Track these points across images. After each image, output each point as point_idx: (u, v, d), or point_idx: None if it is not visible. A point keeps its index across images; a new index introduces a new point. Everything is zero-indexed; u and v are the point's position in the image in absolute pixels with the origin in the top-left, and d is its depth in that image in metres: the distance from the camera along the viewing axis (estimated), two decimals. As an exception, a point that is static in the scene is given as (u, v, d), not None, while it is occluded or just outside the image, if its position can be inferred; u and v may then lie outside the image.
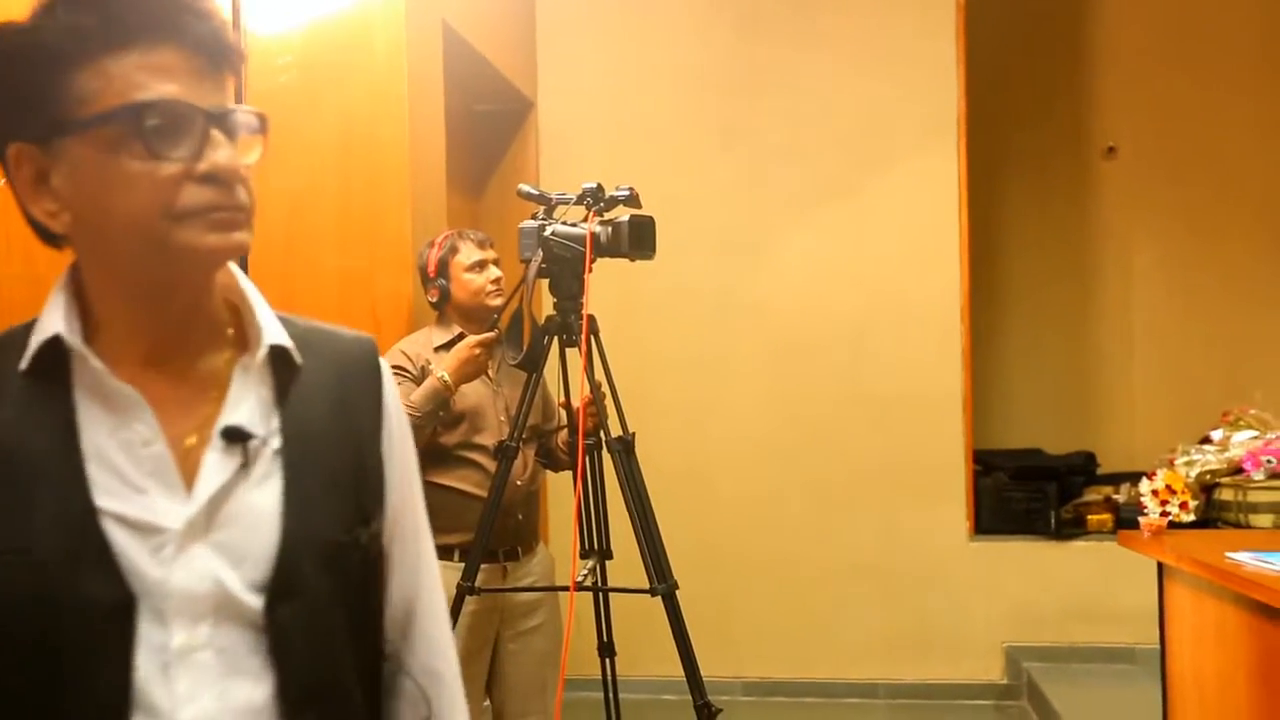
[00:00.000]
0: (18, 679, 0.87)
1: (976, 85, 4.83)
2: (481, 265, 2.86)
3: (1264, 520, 4.48)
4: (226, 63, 0.94)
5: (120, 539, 0.89)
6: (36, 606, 0.86)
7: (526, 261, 2.67)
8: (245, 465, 0.94)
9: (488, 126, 4.70)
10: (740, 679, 4.70)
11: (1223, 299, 5.31)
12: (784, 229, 4.84)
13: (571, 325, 2.66)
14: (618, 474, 2.62)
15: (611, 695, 2.99)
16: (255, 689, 0.91)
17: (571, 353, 2.71)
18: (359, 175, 3.01)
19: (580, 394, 2.63)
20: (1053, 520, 4.69)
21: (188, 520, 0.91)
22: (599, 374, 2.70)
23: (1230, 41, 5.26)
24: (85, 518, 0.88)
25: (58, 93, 0.89)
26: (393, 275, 3.04)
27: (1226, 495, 4.60)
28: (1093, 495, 4.93)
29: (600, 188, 2.64)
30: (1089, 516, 4.79)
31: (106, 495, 0.89)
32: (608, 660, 2.96)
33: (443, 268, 2.85)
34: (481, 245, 2.89)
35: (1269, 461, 4.60)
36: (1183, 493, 4.43)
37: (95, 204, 0.90)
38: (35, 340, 0.93)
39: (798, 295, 4.80)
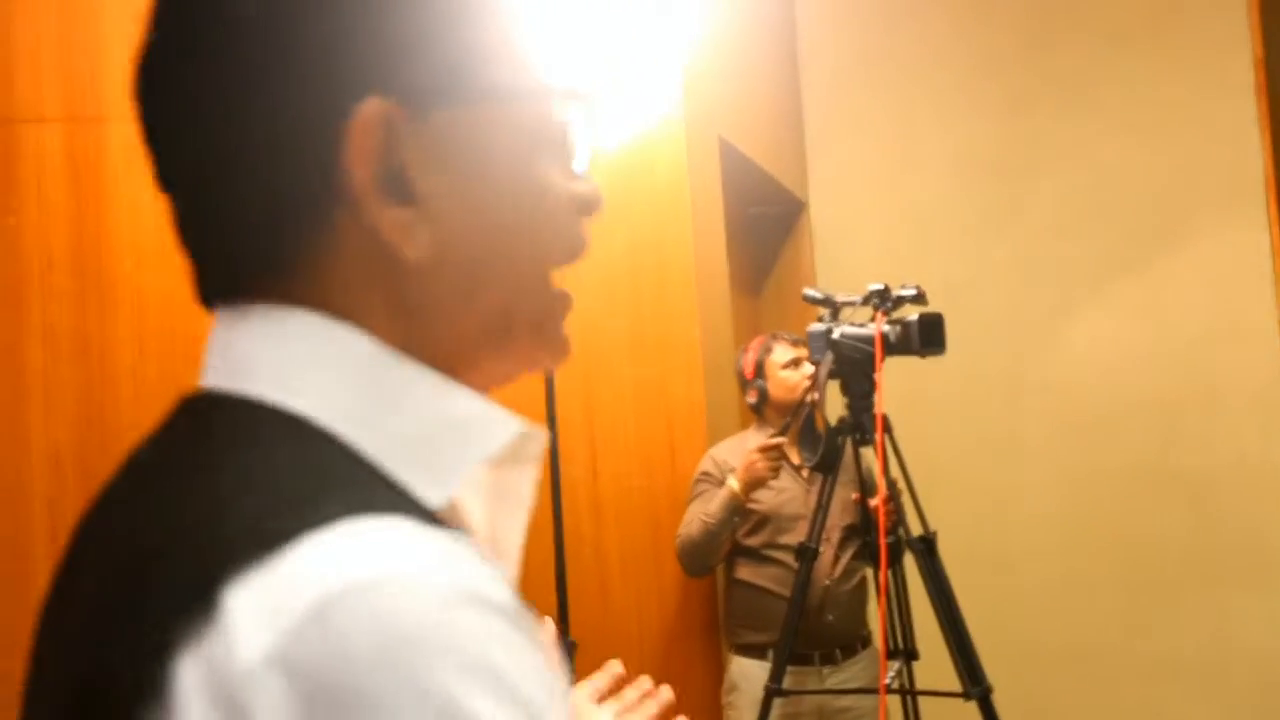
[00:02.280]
0: None
1: (1277, 136, 4.51)
2: (796, 363, 2.99)
3: None
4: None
5: None
6: None
7: (816, 364, 2.72)
8: None
9: (762, 229, 4.82)
10: (1056, 787, 4.41)
11: None
12: (1072, 308, 4.66)
13: (864, 424, 2.67)
14: (921, 573, 2.58)
15: (925, 803, 2.90)
16: None
17: (866, 452, 2.73)
18: (648, 289, 3.18)
19: (880, 493, 2.63)
20: None
21: None
22: (895, 471, 2.70)
23: None
24: None
25: (469, 34, 0.57)
26: (685, 382, 3.17)
27: None
28: None
29: (887, 289, 2.67)
30: None
31: None
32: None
33: (759, 369, 3.01)
34: (795, 344, 3.03)
35: None
36: None
37: (491, 225, 0.58)
38: (485, 448, 0.56)
39: (1092, 373, 4.58)
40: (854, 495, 2.90)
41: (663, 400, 3.16)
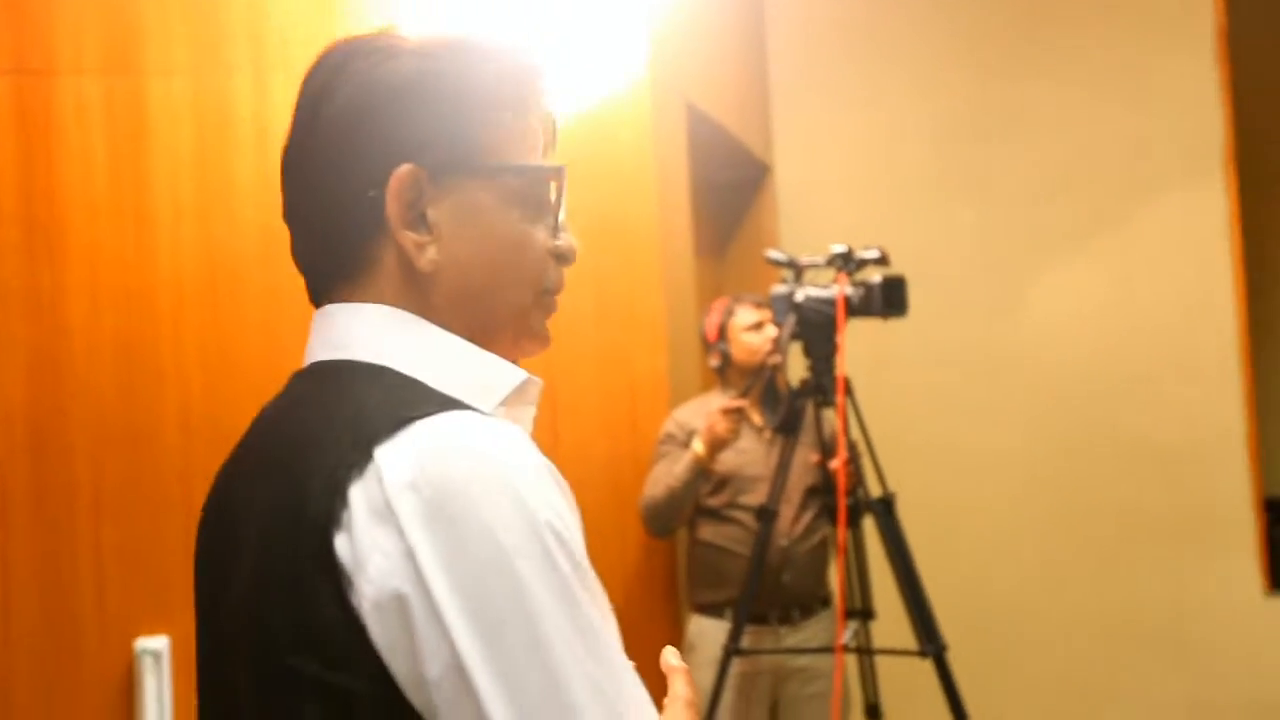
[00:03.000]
0: None
1: (1242, 109, 4.56)
2: (759, 326, 3.00)
3: None
4: (553, 138, 0.95)
5: None
6: None
7: (779, 326, 2.73)
8: None
9: (727, 193, 4.82)
10: (1012, 745, 4.50)
11: None
12: (1034, 275, 4.70)
13: (826, 386, 2.69)
14: (880, 533, 2.62)
15: (882, 760, 2.95)
16: None
17: (828, 414, 2.75)
18: (611, 257, 3.16)
19: (840, 454, 2.66)
20: (1361, 574, 4.29)
21: None
22: (855, 433, 2.72)
23: None
24: None
25: (476, 130, 0.85)
26: (648, 349, 3.17)
27: None
28: (1406, 545, 4.47)
29: (850, 251, 2.68)
30: (1405, 569, 4.35)
31: None
32: (876, 724, 2.94)
33: (722, 332, 3.02)
34: (758, 307, 3.03)
35: None
36: None
37: (478, 248, 0.85)
38: (505, 382, 0.84)
39: (1059, 343, 4.63)
40: (813, 457, 2.93)
41: (625, 366, 3.16)
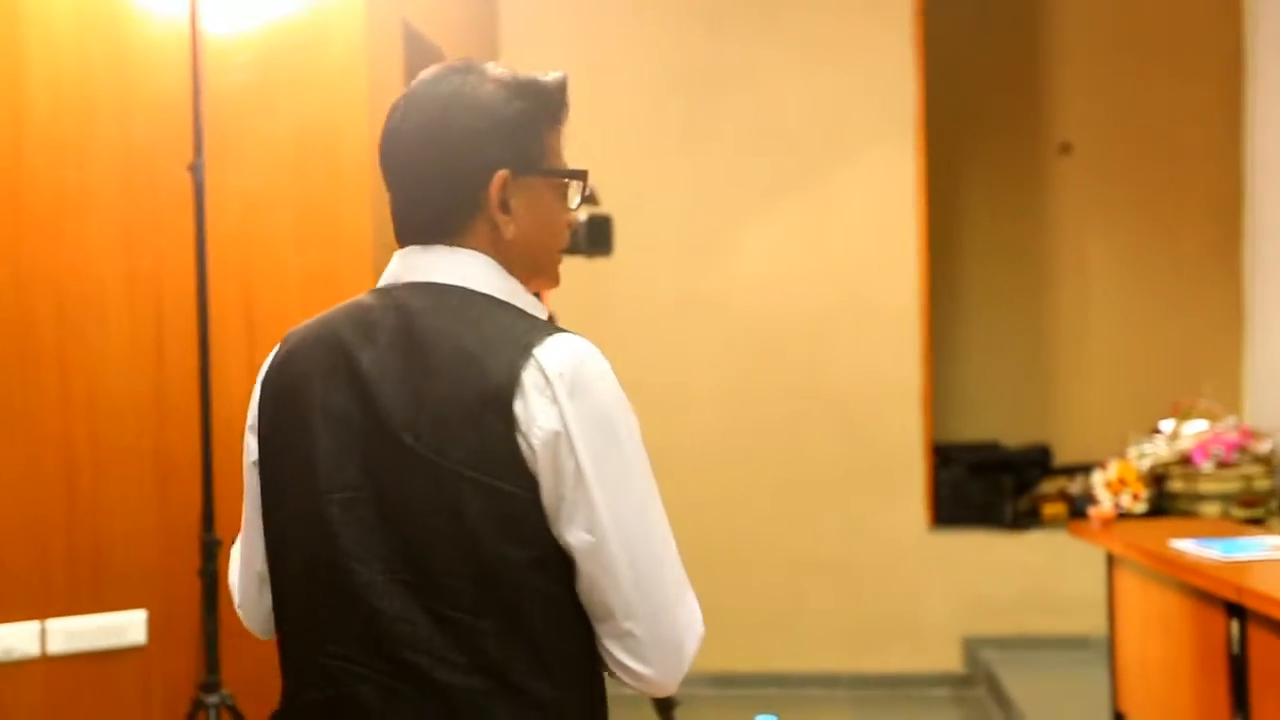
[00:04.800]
0: None
1: (933, 81, 4.90)
2: None
3: (1212, 509, 4.58)
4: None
5: None
6: None
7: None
8: None
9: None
10: (702, 672, 4.74)
11: (1174, 293, 5.41)
12: (745, 225, 4.89)
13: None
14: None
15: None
16: None
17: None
18: (317, 174, 3.02)
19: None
20: (1009, 512, 4.78)
21: None
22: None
23: (1182, 37, 5.36)
24: None
25: (538, 144, 1.28)
26: (355, 275, 3.06)
27: (1176, 486, 4.70)
28: (1048, 487, 5.02)
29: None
30: (1044, 508, 4.88)
31: None
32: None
33: None
34: None
35: (1217, 452, 4.71)
36: (1134, 484, 4.53)
37: (540, 227, 1.29)
38: (544, 312, 1.29)
39: (759, 291, 4.85)
40: None
41: (331, 292, 3.01)
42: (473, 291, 1.23)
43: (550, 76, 1.30)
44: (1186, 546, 2.76)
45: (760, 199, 4.87)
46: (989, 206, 5.54)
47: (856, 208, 4.83)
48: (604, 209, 2.72)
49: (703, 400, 4.84)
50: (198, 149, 2.67)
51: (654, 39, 4.88)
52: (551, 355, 1.16)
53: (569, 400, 1.15)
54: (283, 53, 2.98)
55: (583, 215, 2.68)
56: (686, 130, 4.87)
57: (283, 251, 2.99)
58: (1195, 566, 2.59)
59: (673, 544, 1.23)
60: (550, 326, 1.21)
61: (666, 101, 4.87)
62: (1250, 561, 2.58)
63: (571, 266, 3.04)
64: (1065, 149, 5.50)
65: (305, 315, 3.02)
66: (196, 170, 2.67)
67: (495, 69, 1.29)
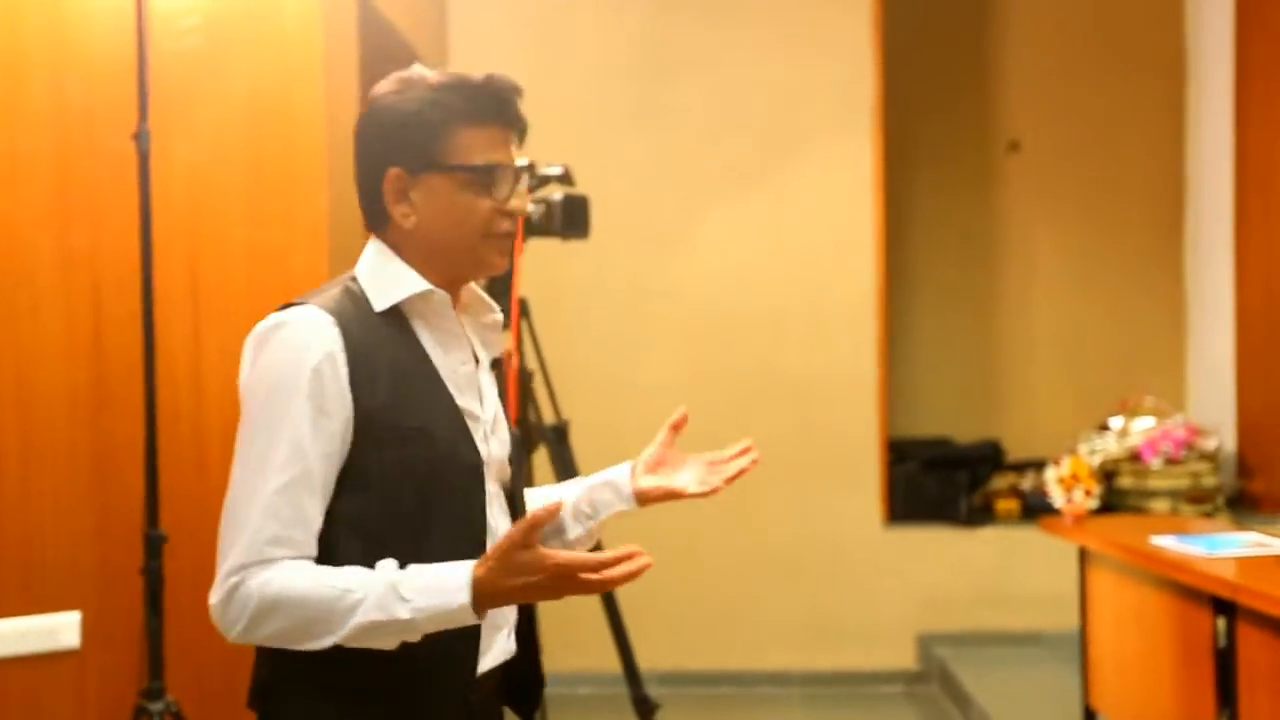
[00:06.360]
0: (405, 515, 1.34)
1: (888, 72, 4.85)
2: None
3: (1161, 505, 4.62)
4: (523, 135, 1.45)
5: (469, 425, 1.41)
6: (429, 466, 1.36)
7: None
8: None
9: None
10: (653, 670, 4.62)
11: (1118, 289, 5.44)
12: (700, 213, 4.79)
13: (502, 308, 2.55)
14: (552, 461, 2.52)
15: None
16: (508, 523, 1.46)
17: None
18: (270, 146, 2.84)
19: (510, 378, 2.53)
20: (964, 508, 4.75)
21: (490, 417, 1.45)
22: (530, 360, 2.60)
23: (1126, 36, 5.40)
24: (456, 411, 1.40)
25: (438, 144, 1.37)
26: (308, 252, 2.88)
27: (1126, 482, 4.72)
28: (999, 483, 5.01)
29: (533, 164, 2.54)
30: (997, 504, 4.87)
31: (456, 397, 1.40)
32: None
33: None
34: None
35: (1166, 449, 4.74)
36: (1087, 480, 4.52)
37: (440, 217, 1.39)
38: (404, 291, 1.38)
39: (713, 279, 4.75)
40: None
41: (280, 269, 2.85)
42: (351, 272, 1.42)
43: (480, 76, 1.39)
44: (1168, 543, 2.73)
45: (717, 186, 4.77)
46: (939, 201, 5.52)
47: (813, 196, 4.76)
48: (579, 190, 2.59)
49: (655, 389, 4.73)
50: (143, 115, 2.48)
51: (609, 20, 4.75)
52: (263, 322, 1.35)
53: (247, 362, 1.35)
54: (233, 17, 2.80)
55: (557, 196, 2.54)
56: (640, 114, 4.75)
57: (232, 227, 2.80)
58: (1182, 563, 2.55)
59: (250, 508, 1.30)
60: (313, 297, 1.37)
61: (621, 85, 4.75)
62: (1235, 558, 2.55)
63: (530, 250, 2.93)
64: (1014, 146, 5.50)
65: (254, 295, 2.86)
66: (141, 139, 2.48)
67: (432, 73, 1.41)
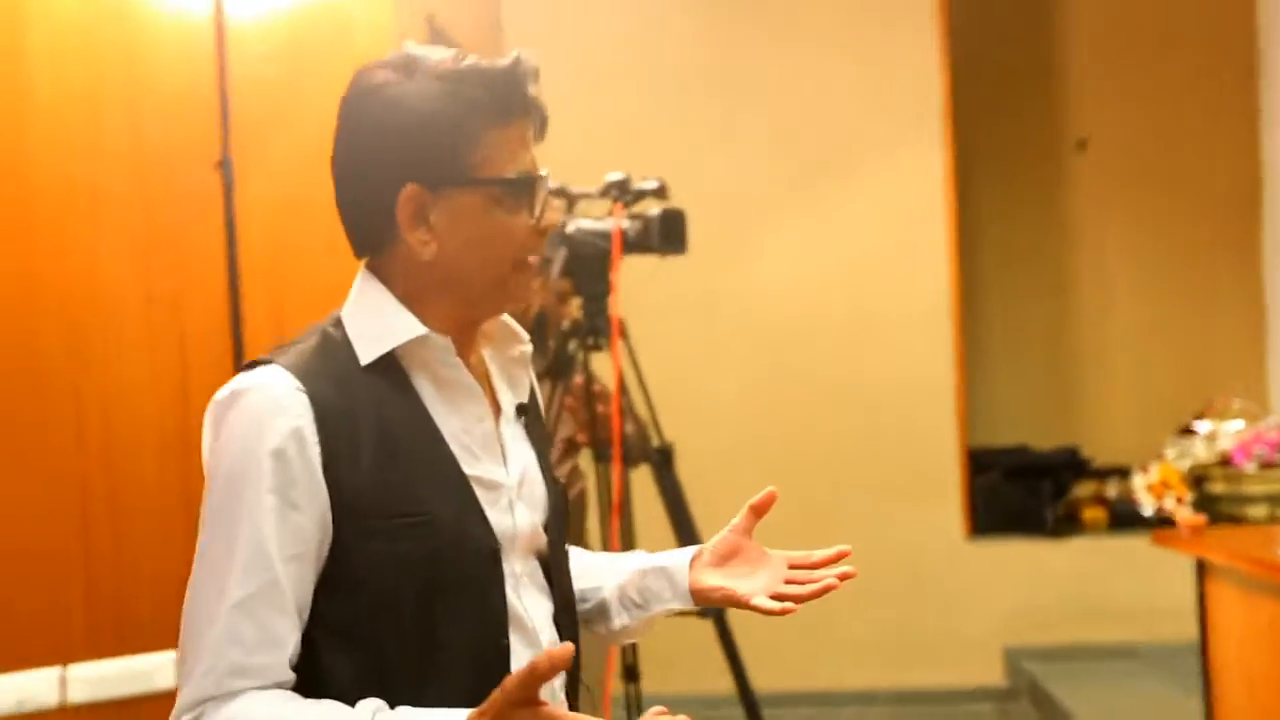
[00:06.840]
0: (405, 621, 1.08)
1: (959, 80, 4.75)
2: None
3: (1259, 511, 4.44)
4: (543, 128, 1.17)
5: (481, 497, 1.13)
6: (431, 557, 1.09)
7: (548, 261, 2.47)
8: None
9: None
10: (731, 693, 4.51)
11: (1194, 289, 5.30)
12: (772, 225, 4.70)
13: (600, 329, 2.47)
14: (658, 485, 2.43)
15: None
16: (546, 602, 1.20)
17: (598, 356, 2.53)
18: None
19: (614, 400, 2.44)
20: (1049, 518, 4.61)
21: (517, 480, 1.18)
22: (631, 380, 2.52)
23: (1197, 31, 5.26)
24: (464, 485, 1.12)
25: (464, 150, 1.10)
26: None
27: (1217, 488, 4.55)
28: (1082, 491, 4.87)
29: (627, 180, 2.46)
30: (1083, 513, 4.73)
31: (465, 464, 1.13)
32: (631, 685, 2.79)
33: None
34: None
35: (1260, 452, 4.58)
36: (1178, 486, 4.37)
37: (469, 244, 1.12)
38: (396, 338, 1.12)
39: (786, 292, 4.66)
40: (568, 402, 2.70)
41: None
42: (335, 314, 1.17)
43: (499, 62, 1.12)
44: (1302, 554, 2.59)
45: (787, 198, 4.68)
46: (1006, 204, 5.40)
47: (885, 206, 4.66)
48: (675, 204, 2.50)
49: (729, 404, 4.63)
50: (225, 143, 2.42)
51: (667, 35, 4.69)
52: (221, 390, 1.12)
53: (206, 439, 1.12)
54: (307, 44, 2.73)
55: (654, 211, 2.46)
56: (704, 128, 4.67)
57: (314, 263, 2.73)
58: (1324, 575, 2.42)
59: (209, 627, 1.06)
60: (282, 353, 1.12)
61: (682, 98, 4.67)
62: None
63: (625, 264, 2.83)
64: (1081, 145, 5.37)
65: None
66: (225, 168, 2.42)
67: (433, 60, 1.11)
